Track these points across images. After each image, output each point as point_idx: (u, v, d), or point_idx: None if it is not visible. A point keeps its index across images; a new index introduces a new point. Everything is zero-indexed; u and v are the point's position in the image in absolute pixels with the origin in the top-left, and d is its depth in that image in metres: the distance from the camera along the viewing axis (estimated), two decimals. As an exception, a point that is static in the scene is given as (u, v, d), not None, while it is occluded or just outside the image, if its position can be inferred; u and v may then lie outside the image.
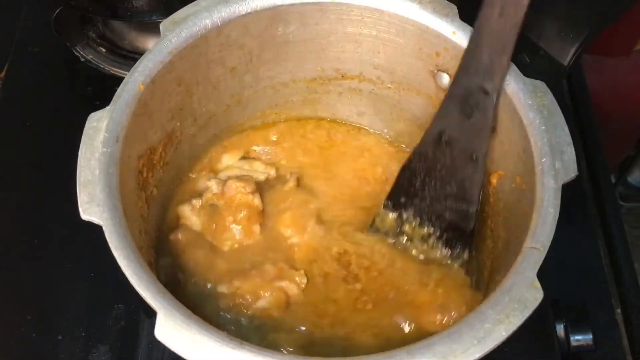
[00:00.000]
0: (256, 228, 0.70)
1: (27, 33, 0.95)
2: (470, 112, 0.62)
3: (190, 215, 0.70)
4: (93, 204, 0.53)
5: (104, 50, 0.90)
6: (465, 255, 0.67)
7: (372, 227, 0.71)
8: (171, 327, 0.48)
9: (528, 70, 0.61)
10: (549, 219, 0.54)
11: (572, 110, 0.93)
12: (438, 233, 0.68)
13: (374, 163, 0.77)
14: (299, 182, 0.74)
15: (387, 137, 0.79)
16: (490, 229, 0.67)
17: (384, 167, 0.76)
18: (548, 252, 0.53)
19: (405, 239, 0.70)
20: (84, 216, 0.53)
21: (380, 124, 0.79)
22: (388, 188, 0.71)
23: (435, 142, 0.65)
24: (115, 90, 0.60)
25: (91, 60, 0.89)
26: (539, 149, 0.58)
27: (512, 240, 0.59)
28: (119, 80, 0.61)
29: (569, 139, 0.58)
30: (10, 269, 0.76)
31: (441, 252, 0.68)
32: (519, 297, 0.50)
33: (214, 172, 0.75)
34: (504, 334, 0.49)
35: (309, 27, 0.69)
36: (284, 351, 0.62)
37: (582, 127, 0.90)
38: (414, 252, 0.69)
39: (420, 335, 0.54)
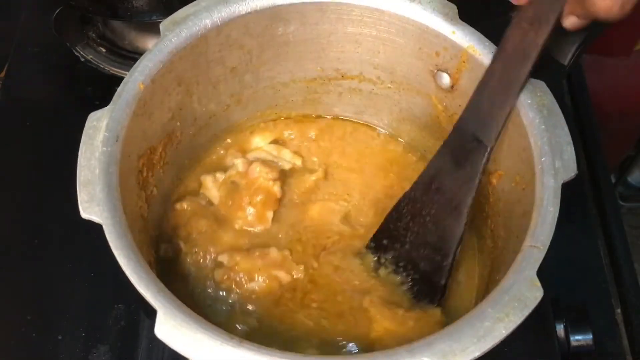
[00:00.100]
0: (269, 214, 0.71)
1: (27, 33, 0.95)
2: (462, 161, 0.62)
3: (212, 186, 0.72)
4: (93, 203, 0.54)
5: (104, 50, 0.90)
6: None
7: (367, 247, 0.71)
8: (171, 326, 0.48)
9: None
10: (549, 218, 0.54)
11: (572, 110, 0.93)
12: (409, 284, 0.67)
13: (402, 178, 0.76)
14: (326, 176, 0.76)
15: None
16: (490, 229, 0.67)
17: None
18: (548, 252, 0.53)
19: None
20: (84, 215, 0.53)
21: (380, 123, 0.79)
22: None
23: (426, 187, 0.65)
24: (115, 90, 0.60)
25: (91, 60, 0.89)
26: (539, 148, 0.58)
27: (512, 239, 0.59)
28: (119, 80, 0.61)
29: (568, 138, 0.58)
30: (10, 269, 0.76)
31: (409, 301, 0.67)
32: (518, 296, 0.50)
33: (243, 152, 0.76)
34: (503, 332, 0.49)
35: (309, 27, 0.69)
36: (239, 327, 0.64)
37: (582, 127, 0.90)
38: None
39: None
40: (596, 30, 0.72)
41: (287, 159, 0.76)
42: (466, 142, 0.61)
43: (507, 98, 0.59)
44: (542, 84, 0.61)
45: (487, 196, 0.67)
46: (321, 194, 0.75)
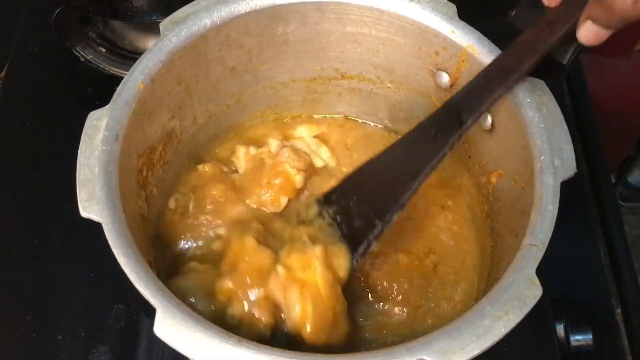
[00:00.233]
0: (283, 200, 0.71)
1: (27, 33, 0.95)
2: (437, 135, 0.61)
3: (242, 157, 0.74)
4: (92, 202, 0.54)
5: (104, 50, 0.90)
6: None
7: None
8: (170, 325, 0.48)
9: (527, 69, 0.62)
10: (548, 217, 0.54)
11: (572, 110, 0.93)
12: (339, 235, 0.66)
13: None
14: None
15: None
16: (489, 227, 0.67)
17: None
18: (548, 252, 0.53)
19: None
20: (84, 214, 0.53)
21: (380, 123, 0.79)
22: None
23: (392, 155, 0.64)
24: (115, 90, 0.60)
25: (91, 60, 0.89)
26: (538, 146, 0.58)
27: (512, 237, 0.59)
28: (119, 80, 0.61)
29: (567, 137, 0.58)
30: (10, 269, 0.76)
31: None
32: (518, 294, 0.50)
33: (286, 138, 0.77)
34: (502, 330, 0.49)
35: (308, 26, 0.69)
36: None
37: (582, 127, 0.90)
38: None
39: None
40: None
41: (323, 156, 0.77)
42: (448, 119, 0.61)
43: (500, 84, 0.60)
44: (541, 83, 0.61)
45: (487, 195, 0.67)
46: None
